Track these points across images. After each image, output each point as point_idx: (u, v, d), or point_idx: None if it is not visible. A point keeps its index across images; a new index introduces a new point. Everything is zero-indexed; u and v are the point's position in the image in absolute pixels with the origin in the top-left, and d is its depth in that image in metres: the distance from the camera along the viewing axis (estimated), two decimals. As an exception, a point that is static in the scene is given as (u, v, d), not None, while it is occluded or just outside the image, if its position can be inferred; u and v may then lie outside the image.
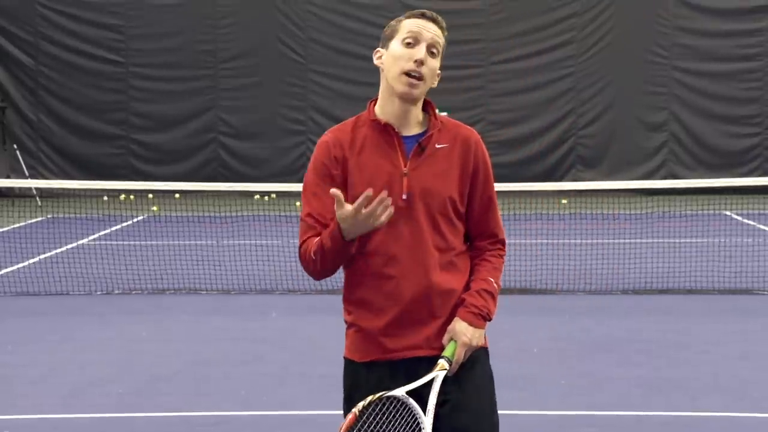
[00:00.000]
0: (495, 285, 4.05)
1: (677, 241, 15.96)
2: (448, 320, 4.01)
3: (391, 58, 3.96)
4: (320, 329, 10.70)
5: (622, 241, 15.80)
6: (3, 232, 18.04)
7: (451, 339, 3.97)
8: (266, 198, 22.08)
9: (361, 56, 24.05)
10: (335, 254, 3.86)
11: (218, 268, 13.72)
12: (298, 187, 19.58)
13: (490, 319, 4.02)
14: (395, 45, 3.97)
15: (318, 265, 3.92)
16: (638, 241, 15.73)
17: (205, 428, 7.50)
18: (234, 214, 18.49)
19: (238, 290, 12.79)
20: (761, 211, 20.17)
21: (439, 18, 4.01)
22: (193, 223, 17.22)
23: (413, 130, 4.01)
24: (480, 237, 4.11)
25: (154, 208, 20.10)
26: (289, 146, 24.28)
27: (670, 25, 24.13)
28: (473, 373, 4.02)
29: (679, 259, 14.19)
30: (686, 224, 17.05)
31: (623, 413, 7.79)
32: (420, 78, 3.93)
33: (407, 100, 3.96)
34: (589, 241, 15.30)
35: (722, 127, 24.14)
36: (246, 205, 20.60)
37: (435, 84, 4.01)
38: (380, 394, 3.78)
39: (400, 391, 3.83)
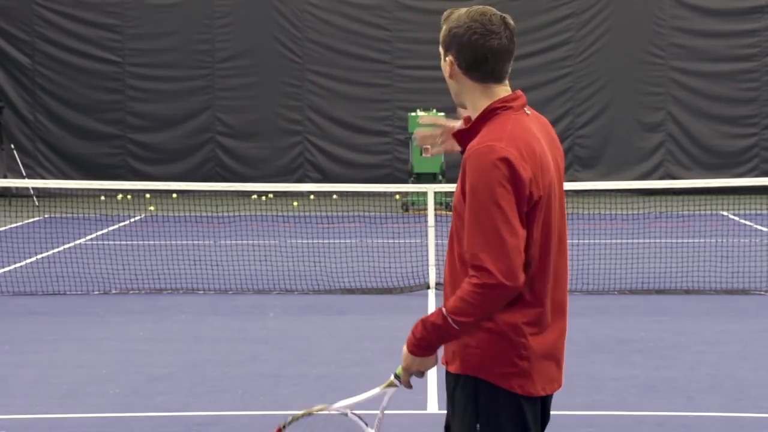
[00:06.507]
0: (442, 316, 3.82)
1: (674, 241, 15.96)
2: None
3: None
4: (317, 329, 10.69)
5: (619, 241, 15.80)
6: (0, 231, 18.02)
7: None
8: (263, 198, 22.06)
9: (358, 56, 24.03)
10: None
11: (215, 268, 13.70)
12: (294, 186, 19.66)
13: (419, 350, 3.90)
14: None
15: None
16: (635, 241, 15.73)
17: (202, 428, 7.50)
18: (231, 214, 18.48)
19: (236, 290, 12.78)
20: (758, 212, 20.17)
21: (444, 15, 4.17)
22: (190, 223, 17.20)
23: None
24: None
25: (151, 208, 20.08)
26: (286, 146, 24.25)
27: (667, 25, 24.13)
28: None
29: (676, 260, 14.18)
30: (683, 224, 17.07)
31: (621, 413, 7.80)
32: None
33: None
34: (586, 242, 15.29)
35: (719, 127, 24.13)
36: (243, 205, 20.58)
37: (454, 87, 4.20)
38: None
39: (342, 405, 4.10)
